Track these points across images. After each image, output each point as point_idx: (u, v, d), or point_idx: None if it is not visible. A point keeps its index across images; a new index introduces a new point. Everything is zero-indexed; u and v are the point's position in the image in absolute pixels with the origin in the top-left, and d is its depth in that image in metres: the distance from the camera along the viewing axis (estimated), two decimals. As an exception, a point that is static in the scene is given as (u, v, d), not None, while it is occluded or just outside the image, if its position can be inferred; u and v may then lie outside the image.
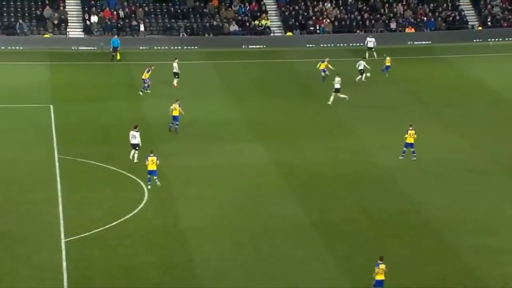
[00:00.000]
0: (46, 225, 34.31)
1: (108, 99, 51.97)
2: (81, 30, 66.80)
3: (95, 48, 63.86)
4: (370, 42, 61.27)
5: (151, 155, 37.92)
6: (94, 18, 66.93)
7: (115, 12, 67.76)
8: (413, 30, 68.48)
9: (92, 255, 31.90)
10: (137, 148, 40.70)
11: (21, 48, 63.54)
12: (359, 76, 54.48)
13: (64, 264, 30.99)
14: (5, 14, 66.85)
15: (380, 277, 28.47)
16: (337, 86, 49.76)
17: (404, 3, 70.65)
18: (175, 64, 53.94)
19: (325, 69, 54.05)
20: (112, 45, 60.87)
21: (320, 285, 29.80)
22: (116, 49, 60.59)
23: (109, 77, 57.46)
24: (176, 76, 53.81)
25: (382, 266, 28.61)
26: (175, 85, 53.57)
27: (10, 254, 31.77)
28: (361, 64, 54.86)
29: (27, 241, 32.85)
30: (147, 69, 52.76)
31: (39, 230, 33.90)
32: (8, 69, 58.96)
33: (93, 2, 68.20)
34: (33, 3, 67.92)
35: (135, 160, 40.58)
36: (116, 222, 34.48)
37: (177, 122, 44.62)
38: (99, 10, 67.67)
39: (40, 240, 33.01)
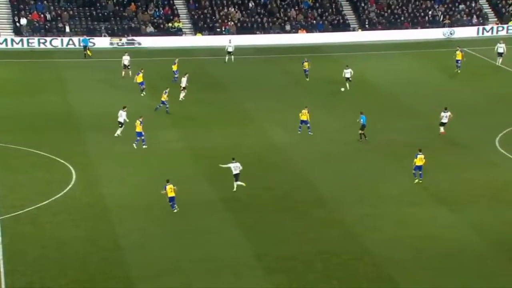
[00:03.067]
0: (-17, 206, 33.14)
1: (36, 93, 50.42)
2: (12, 31, 64.51)
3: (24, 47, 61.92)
4: (230, 47, 58.94)
5: (140, 119, 39.99)
6: (23, 21, 64.75)
7: (42, 15, 65.75)
8: (304, 32, 69.06)
9: (25, 231, 31.04)
10: (120, 125, 41.20)
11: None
12: (347, 84, 50.84)
13: None
14: None
15: (171, 194, 32.43)
16: (183, 84, 48.54)
17: (296, 8, 71.21)
18: (125, 57, 53.41)
19: (177, 71, 51.97)
20: (82, 43, 59.69)
21: (229, 252, 29.80)
22: (86, 47, 59.14)
23: (36, 73, 55.73)
24: (127, 68, 53.13)
25: (170, 186, 32.31)
26: (123, 75, 52.99)
27: (-51, 232, 30.56)
28: (348, 72, 51.35)
29: (-35, 220, 31.66)
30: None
31: (-24, 210, 32.72)
32: None
33: (21, 6, 65.95)
34: (-35, 6, 65.29)
35: (119, 134, 41.33)
36: (47, 201, 33.63)
37: (167, 105, 45.58)
38: (27, 13, 65.52)
39: (-23, 219, 31.87)
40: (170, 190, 32.45)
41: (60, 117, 45.32)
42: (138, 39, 64.44)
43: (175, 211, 32.46)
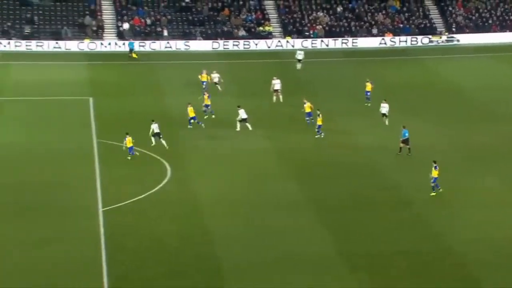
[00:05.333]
0: (86, 197, 34.42)
1: (135, 94, 51.75)
2: (115, 35, 66.67)
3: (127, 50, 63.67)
4: (300, 54, 57.75)
5: (189, 105, 43.18)
6: (126, 25, 66.83)
7: (143, 20, 67.67)
8: (391, 35, 68.10)
9: (124, 223, 32.00)
10: (241, 121, 42.76)
11: (66, 50, 63.39)
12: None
13: (102, 230, 31.09)
14: (53, 22, 66.75)
15: (130, 144, 37.62)
16: (276, 87, 47.76)
17: (383, 12, 70.35)
18: (213, 75, 51.24)
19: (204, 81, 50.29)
20: (129, 46, 61.66)
21: (313, 249, 29.80)
22: (131, 50, 60.99)
23: (135, 75, 57.23)
24: (216, 84, 50.90)
25: (129, 138, 38.01)
26: (220, 89, 50.97)
27: (56, 223, 31.90)
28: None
29: (71, 211, 32.98)
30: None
31: (81, 201, 34.00)
32: (54, 68, 58.88)
33: (125, 11, 68.11)
34: (76, 13, 67.76)
35: (249, 127, 42.26)
36: (144, 195, 34.52)
37: (309, 117, 43.58)
38: (130, 18, 67.58)
39: (81, 210, 33.12)
40: (129, 141, 37.99)
41: (156, 117, 46.36)
42: (457, 36, 63.58)
43: (129, 158, 38.14)
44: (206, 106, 45.46)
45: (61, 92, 51.60)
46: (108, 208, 33.15)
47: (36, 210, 32.92)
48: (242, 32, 67.72)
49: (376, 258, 29.00)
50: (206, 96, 45.89)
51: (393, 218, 32.55)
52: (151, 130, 40.28)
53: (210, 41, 65.94)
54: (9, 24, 65.81)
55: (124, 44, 64.41)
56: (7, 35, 64.66)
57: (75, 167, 37.91)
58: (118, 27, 67.06)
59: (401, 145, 39.45)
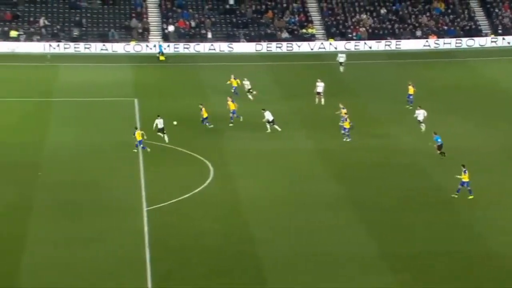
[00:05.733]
0: (131, 197, 34.73)
1: (181, 95, 52.07)
2: (160, 37, 67.29)
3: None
4: (342, 57, 57.13)
5: (201, 106, 43.44)
6: (171, 28, 67.38)
7: (188, 23, 68.11)
8: (435, 37, 67.13)
9: (168, 222, 32.22)
10: (269, 123, 42.66)
11: (112, 52, 64.22)
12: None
13: (146, 229, 31.30)
14: (100, 24, 67.74)
15: (139, 138, 38.72)
16: (319, 90, 47.62)
17: (427, 14, 69.40)
18: (245, 82, 50.51)
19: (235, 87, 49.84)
20: (159, 49, 62.27)
21: (354, 249, 29.61)
22: (159, 52, 61.73)
23: (181, 77, 57.64)
24: (250, 91, 50.11)
25: (138, 132, 39.07)
26: (255, 93, 50.02)
27: (101, 221, 32.23)
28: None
29: (116, 210, 33.32)
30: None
31: (125, 201, 34.32)
32: (101, 70, 59.74)
33: (170, 14, 68.67)
34: (122, 16, 68.64)
35: (277, 129, 42.34)
36: (188, 195, 34.69)
37: (343, 119, 42.33)
38: (175, 21, 68.12)
39: (126, 210, 33.41)
40: (138, 135, 38.70)
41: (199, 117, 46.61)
42: None
43: (148, 150, 39.01)
44: (233, 112, 44.56)
45: (107, 93, 52.28)
46: (152, 207, 33.37)
47: (81, 209, 33.37)
48: (285, 34, 67.63)
49: (417, 259, 28.67)
50: (230, 102, 45.07)
51: (434, 219, 32.13)
52: (154, 125, 40.94)
53: (253, 43, 66.03)
54: (58, 27, 67.01)
55: (169, 46, 64.93)
56: (56, 37, 65.85)
57: (120, 167, 38.33)
58: (163, 29, 67.66)
59: (438, 151, 38.94)
